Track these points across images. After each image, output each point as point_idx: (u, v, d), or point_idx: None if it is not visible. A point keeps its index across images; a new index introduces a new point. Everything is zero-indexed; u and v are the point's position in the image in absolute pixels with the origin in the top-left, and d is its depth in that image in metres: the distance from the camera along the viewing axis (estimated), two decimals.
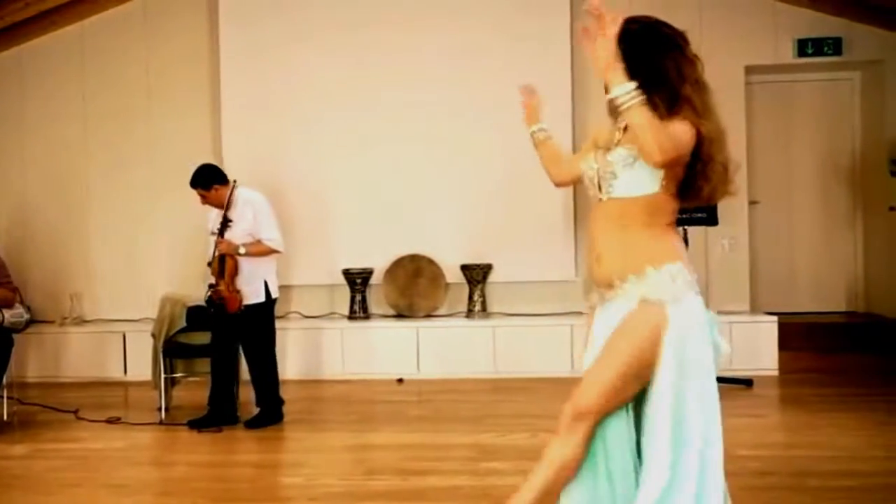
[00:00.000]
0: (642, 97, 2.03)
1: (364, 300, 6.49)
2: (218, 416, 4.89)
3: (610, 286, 2.25)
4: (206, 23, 6.73)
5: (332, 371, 6.23)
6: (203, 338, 5.26)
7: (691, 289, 2.22)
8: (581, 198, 6.52)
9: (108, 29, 6.78)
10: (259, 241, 4.83)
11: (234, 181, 4.97)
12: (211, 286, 4.85)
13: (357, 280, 6.45)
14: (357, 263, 6.47)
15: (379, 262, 6.50)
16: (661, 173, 2.16)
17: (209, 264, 4.91)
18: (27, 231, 6.85)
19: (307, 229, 6.35)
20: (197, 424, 4.83)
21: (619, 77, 2.05)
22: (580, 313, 6.47)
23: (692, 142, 2.13)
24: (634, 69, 2.10)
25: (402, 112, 6.53)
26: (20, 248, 6.71)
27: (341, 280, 6.48)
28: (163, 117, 6.71)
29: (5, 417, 5.13)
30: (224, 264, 4.77)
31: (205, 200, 5.01)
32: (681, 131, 2.11)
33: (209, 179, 4.92)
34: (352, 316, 6.47)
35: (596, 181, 2.30)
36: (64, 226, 6.85)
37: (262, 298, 4.89)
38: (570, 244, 6.49)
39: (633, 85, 2.04)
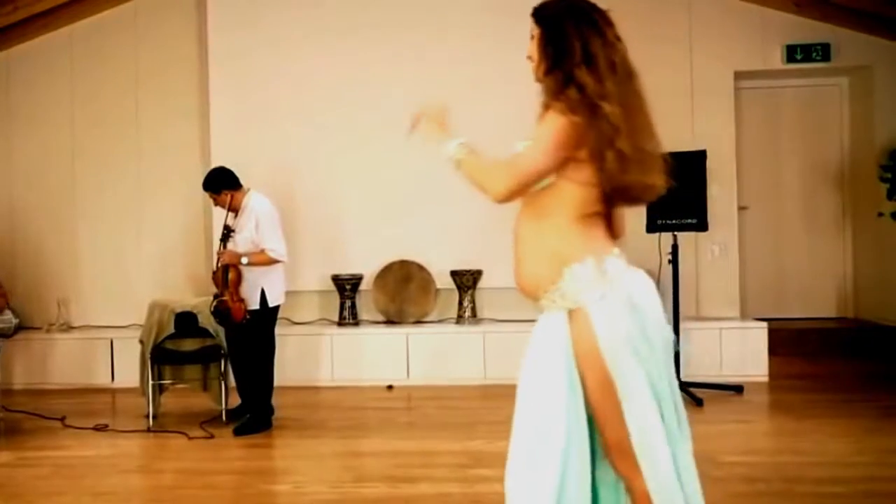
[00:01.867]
0: (463, 150, 2.09)
1: (354, 306, 6.47)
2: (260, 421, 4.92)
3: (531, 296, 2.18)
4: (194, 27, 6.71)
5: (321, 377, 6.20)
6: (191, 344, 5.25)
7: (603, 284, 2.01)
8: None
9: (97, 33, 6.75)
10: (262, 251, 4.82)
11: (248, 188, 5.02)
12: (216, 296, 4.86)
13: (347, 286, 6.42)
14: (347, 269, 6.45)
15: (368, 268, 6.48)
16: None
17: (214, 273, 4.94)
18: (14, 237, 6.80)
19: (296, 235, 6.32)
20: (240, 431, 4.85)
21: (442, 138, 2.09)
22: None
23: (566, 133, 1.98)
24: (545, 49, 2.06)
25: (391, 117, 6.46)
26: (7, 253, 6.66)
27: (331, 286, 6.46)
28: (151, 122, 6.68)
29: None
30: (227, 275, 4.78)
31: (216, 203, 5.05)
32: (544, 134, 2.01)
33: (219, 184, 4.95)
34: (341, 322, 6.45)
35: None
36: (51, 231, 6.80)
37: (256, 306, 4.88)
38: None
39: (455, 142, 2.07)
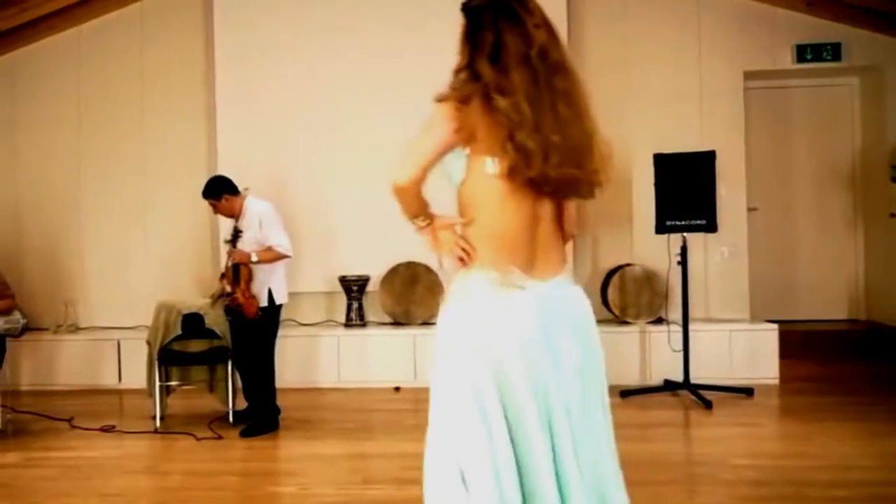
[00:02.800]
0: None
1: (360, 308, 6.45)
2: (265, 421, 4.95)
3: None
4: (200, 28, 6.71)
5: (328, 379, 6.19)
6: (198, 345, 5.26)
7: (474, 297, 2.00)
8: (578, 203, 6.47)
9: (102, 35, 6.76)
10: (269, 248, 4.92)
11: (246, 189, 5.09)
12: (227, 294, 4.94)
13: (353, 287, 6.41)
14: (353, 271, 6.43)
15: (375, 270, 6.46)
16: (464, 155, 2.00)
17: (223, 275, 5.01)
18: (21, 238, 6.81)
19: (303, 236, 6.30)
20: (247, 433, 4.88)
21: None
22: None
23: (445, 113, 1.96)
24: (464, 44, 2.02)
25: (398, 118, 6.49)
26: (14, 254, 6.68)
27: (338, 287, 6.45)
28: (157, 123, 6.68)
29: None
30: (238, 272, 4.87)
31: (216, 210, 5.14)
32: (427, 119, 2.00)
33: (219, 190, 5.02)
34: (348, 323, 6.43)
35: None
36: (58, 233, 6.81)
37: (264, 303, 4.97)
38: (568, 251, 6.42)
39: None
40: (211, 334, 5.21)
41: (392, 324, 6.47)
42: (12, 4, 6.08)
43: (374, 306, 6.53)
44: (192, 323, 5.19)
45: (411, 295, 6.40)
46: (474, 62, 1.95)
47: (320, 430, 4.99)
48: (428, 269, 6.41)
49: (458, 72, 1.99)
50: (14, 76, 6.85)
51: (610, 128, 6.73)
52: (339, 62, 6.54)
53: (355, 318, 6.43)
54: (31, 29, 6.58)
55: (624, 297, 6.14)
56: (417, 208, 2.14)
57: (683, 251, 5.56)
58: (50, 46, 6.79)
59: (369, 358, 6.19)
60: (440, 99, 1.97)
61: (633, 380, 5.93)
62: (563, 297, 2.05)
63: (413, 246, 6.43)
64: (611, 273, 6.27)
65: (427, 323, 6.42)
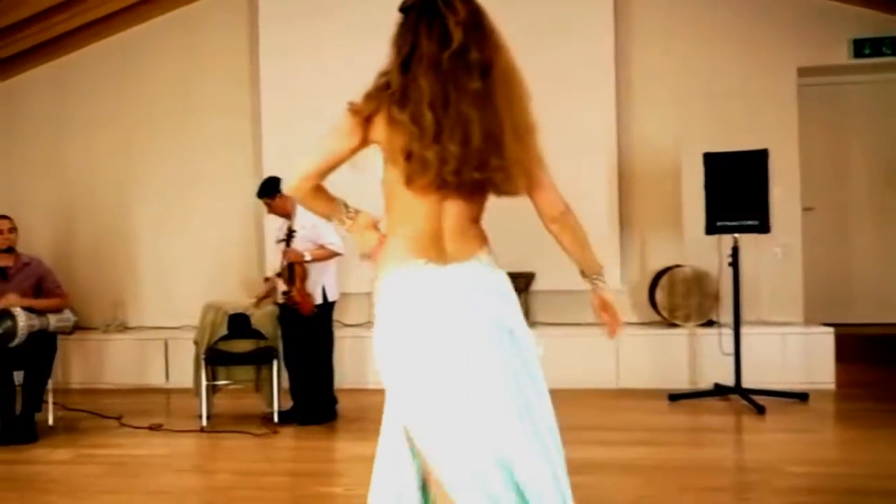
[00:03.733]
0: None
1: None
2: (318, 413, 5.08)
3: None
4: (245, 29, 6.77)
5: (374, 380, 6.13)
6: (244, 345, 5.29)
7: (393, 298, 2.02)
8: (626, 203, 6.38)
9: (149, 39, 6.88)
10: (322, 247, 5.04)
11: None
12: (284, 293, 5.05)
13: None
14: None
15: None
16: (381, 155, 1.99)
17: (279, 274, 5.11)
18: (71, 239, 6.95)
19: (348, 236, 6.31)
20: (306, 421, 5.02)
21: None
22: (626, 324, 6.31)
23: (342, 123, 2.01)
24: (390, 48, 2.02)
25: None
26: (65, 256, 6.81)
27: None
28: (204, 124, 6.75)
29: (50, 422, 5.17)
30: (293, 271, 4.97)
31: (270, 210, 5.26)
32: (325, 135, 2.05)
33: (274, 189, 5.11)
34: None
35: None
36: (107, 234, 6.93)
37: (319, 301, 5.10)
38: (615, 252, 6.35)
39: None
40: (257, 335, 5.25)
41: None
42: (62, 10, 6.20)
43: None
44: (239, 323, 5.23)
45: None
46: (391, 69, 1.97)
47: (367, 431, 4.92)
48: None
49: (380, 76, 2.00)
50: (64, 80, 6.99)
51: (659, 127, 6.67)
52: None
53: None
54: (78, 35, 6.72)
55: (672, 299, 6.01)
56: (323, 210, 2.17)
57: (735, 252, 5.42)
58: (97, 51, 6.93)
59: None
60: (349, 108, 1.99)
61: (681, 383, 5.80)
62: (478, 274, 2.03)
63: None
64: (659, 274, 6.14)
65: None
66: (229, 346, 5.29)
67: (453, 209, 1.99)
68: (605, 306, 2.19)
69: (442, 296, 1.96)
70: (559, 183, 6.83)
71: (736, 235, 5.41)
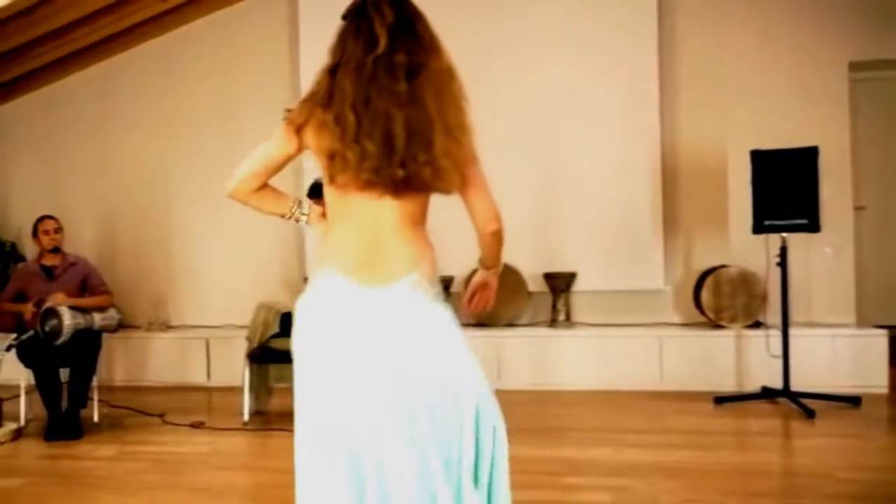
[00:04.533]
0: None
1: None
2: None
3: None
4: (285, 29, 6.81)
5: None
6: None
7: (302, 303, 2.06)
8: (670, 201, 6.27)
9: (192, 40, 6.95)
10: None
11: None
12: None
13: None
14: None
15: (459, 271, 6.39)
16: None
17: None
18: (115, 238, 7.06)
19: None
20: None
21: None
22: (670, 324, 6.21)
23: (277, 147, 2.04)
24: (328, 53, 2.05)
25: (482, 114, 6.41)
26: (109, 255, 6.92)
27: None
28: (244, 124, 6.79)
29: (95, 419, 5.25)
30: None
31: None
32: (265, 142, 2.08)
33: (321, 190, 5.05)
34: None
35: None
36: (149, 233, 7.03)
37: None
38: (658, 251, 6.23)
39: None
40: None
41: (476, 325, 6.39)
42: (109, 13, 6.31)
43: (456, 308, 6.45)
44: (290, 322, 5.24)
45: (495, 296, 6.29)
46: (321, 75, 2.02)
47: None
48: (513, 270, 6.30)
49: (315, 83, 2.03)
50: (109, 82, 7.11)
51: (704, 124, 6.53)
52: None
53: None
54: (125, 37, 6.83)
55: (718, 300, 5.88)
56: (270, 209, 2.20)
57: (783, 252, 5.29)
58: (141, 53, 7.02)
59: None
60: (284, 117, 2.02)
61: (728, 386, 5.67)
62: (398, 307, 1.97)
63: None
64: (704, 274, 6.02)
65: (512, 324, 6.33)
66: (281, 344, 5.32)
67: (387, 210, 1.98)
68: (485, 286, 2.24)
69: (349, 328, 1.96)
70: (604, 181, 6.80)
71: (784, 235, 5.28)
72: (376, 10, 1.96)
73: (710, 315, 5.90)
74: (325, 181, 2.01)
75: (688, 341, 5.89)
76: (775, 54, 6.14)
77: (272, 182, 2.14)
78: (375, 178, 1.90)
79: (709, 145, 6.21)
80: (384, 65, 1.91)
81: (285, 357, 5.21)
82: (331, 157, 1.93)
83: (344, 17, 2.05)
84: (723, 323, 5.87)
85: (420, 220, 2.04)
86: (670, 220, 6.27)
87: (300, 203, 2.21)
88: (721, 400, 5.35)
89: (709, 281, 5.90)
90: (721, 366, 5.75)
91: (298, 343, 2.04)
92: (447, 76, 1.98)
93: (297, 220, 2.20)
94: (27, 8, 5.80)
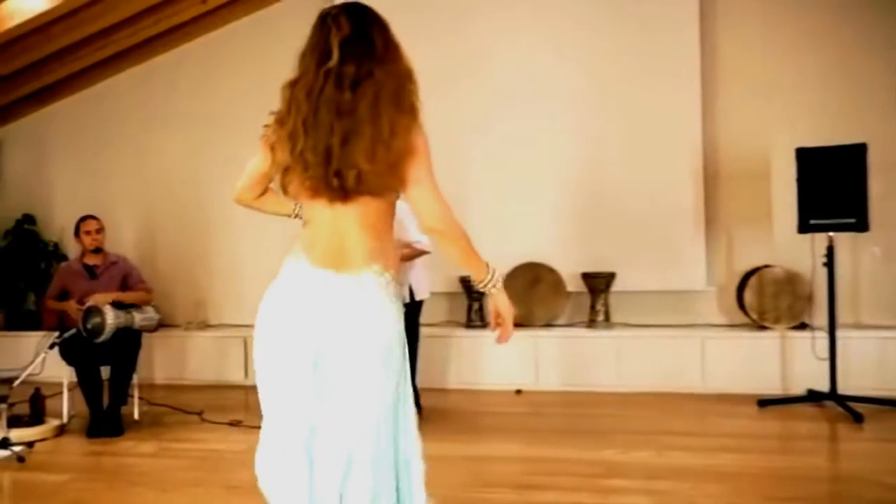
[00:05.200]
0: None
1: (481, 308, 6.35)
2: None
3: None
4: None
5: (448, 380, 6.12)
6: None
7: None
8: (712, 200, 6.15)
9: (230, 41, 7.02)
10: (408, 245, 4.98)
11: None
12: None
13: (474, 288, 6.31)
14: None
15: (496, 270, 6.34)
16: None
17: None
18: (154, 238, 7.15)
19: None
20: None
21: None
22: (712, 325, 6.10)
23: (259, 159, 2.17)
24: None
25: (520, 117, 6.38)
26: (149, 256, 7.01)
27: (459, 288, 6.38)
28: None
29: (136, 416, 5.31)
30: None
31: None
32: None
33: None
34: (469, 324, 6.35)
35: None
36: (189, 233, 7.10)
37: (406, 300, 5.06)
38: (700, 251, 6.12)
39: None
40: None
41: (514, 325, 6.32)
42: (150, 15, 6.39)
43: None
44: None
45: (533, 296, 6.25)
46: (283, 91, 2.09)
47: (441, 431, 4.91)
48: (550, 270, 6.24)
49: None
50: (148, 83, 7.20)
51: (747, 121, 6.39)
52: (459, 56, 6.47)
53: (476, 319, 6.34)
54: (165, 38, 6.93)
55: (762, 301, 5.75)
56: (273, 210, 2.43)
57: (830, 252, 5.15)
58: (181, 54, 7.11)
59: (490, 359, 6.09)
60: (262, 135, 2.13)
61: (772, 389, 5.54)
62: (345, 291, 2.03)
63: (535, 246, 6.33)
64: (748, 275, 5.89)
65: (549, 324, 6.27)
66: None
67: (341, 214, 2.04)
68: (497, 315, 2.19)
69: (299, 298, 2.04)
70: (643, 180, 6.68)
71: (831, 234, 5.15)
72: (334, 23, 2.02)
73: (754, 316, 5.78)
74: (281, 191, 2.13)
75: (731, 343, 5.77)
76: (820, 49, 5.99)
77: None
78: (317, 187, 1.99)
79: (752, 143, 6.08)
80: (333, 77, 1.97)
81: None
82: (284, 171, 2.03)
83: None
84: (767, 324, 5.74)
85: (377, 221, 2.06)
86: (712, 220, 6.15)
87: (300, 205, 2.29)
88: (765, 403, 5.23)
89: (752, 281, 5.78)
90: (765, 368, 5.62)
91: (258, 320, 2.10)
92: (392, 82, 1.99)
93: (300, 217, 2.29)
94: (71, 10, 5.89)
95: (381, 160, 1.94)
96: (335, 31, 2.01)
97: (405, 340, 2.13)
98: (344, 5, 2.08)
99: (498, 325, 2.18)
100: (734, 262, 6.16)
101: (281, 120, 2.03)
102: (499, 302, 2.18)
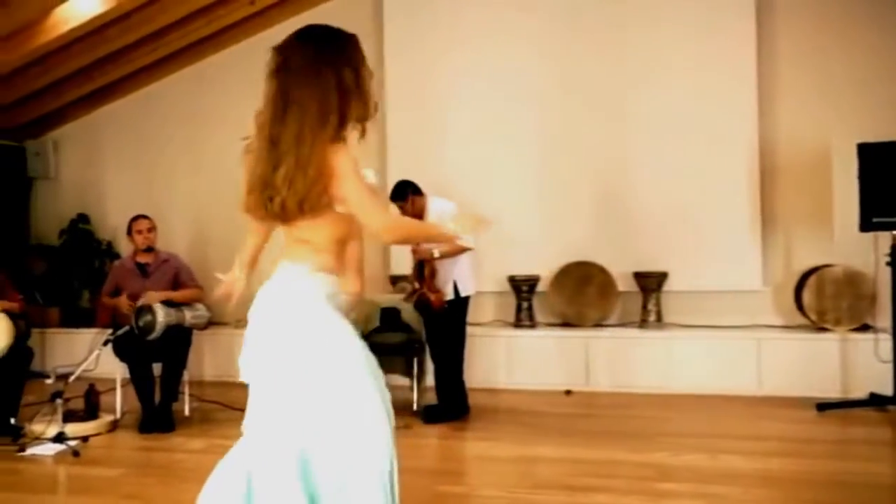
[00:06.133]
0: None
1: (530, 308, 6.28)
2: (449, 408, 5.11)
3: (354, 302, 2.42)
4: (371, 29, 6.84)
5: (496, 380, 6.06)
6: (394, 338, 5.44)
7: None
8: (769, 198, 5.98)
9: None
10: (449, 242, 4.95)
11: (427, 194, 5.26)
12: (415, 290, 5.15)
13: (523, 287, 6.25)
14: (523, 270, 6.28)
15: (546, 269, 6.28)
16: None
17: (413, 270, 5.22)
18: (206, 238, 7.22)
19: (473, 236, 6.24)
20: (430, 418, 5.06)
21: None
22: (769, 326, 5.93)
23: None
24: None
25: (569, 114, 6.30)
26: (200, 254, 7.06)
27: (507, 287, 6.32)
28: None
29: (186, 413, 5.37)
30: (423, 269, 5.07)
31: (403, 212, 5.27)
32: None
33: (405, 190, 5.18)
34: (517, 324, 6.29)
35: None
36: (237, 232, 7.11)
37: (451, 296, 5.10)
38: (756, 250, 5.95)
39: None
40: (407, 328, 5.44)
41: (562, 325, 6.25)
42: (200, 17, 6.46)
43: (543, 307, 6.35)
44: (390, 316, 5.47)
45: (583, 296, 6.16)
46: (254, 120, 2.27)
47: (490, 432, 4.87)
48: (601, 270, 6.14)
49: None
50: (199, 84, 7.29)
51: (805, 116, 6.18)
52: (508, 57, 6.42)
53: (525, 319, 6.27)
54: (216, 39, 7.01)
55: (822, 301, 5.57)
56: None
57: (894, 250, 4.97)
58: (232, 55, 7.17)
59: (539, 360, 6.01)
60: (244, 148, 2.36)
61: (832, 392, 5.37)
62: (273, 288, 2.28)
63: (586, 245, 6.24)
64: (806, 274, 5.72)
65: (599, 325, 6.17)
66: (381, 337, 5.43)
67: (285, 233, 2.28)
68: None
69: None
70: (697, 177, 6.50)
71: (895, 232, 4.96)
72: (274, 54, 2.21)
73: (813, 317, 5.60)
74: None
75: (788, 344, 5.60)
76: (881, 42, 5.78)
77: None
78: (258, 213, 2.21)
79: (811, 139, 5.89)
80: (272, 109, 2.14)
81: (388, 350, 5.28)
82: (247, 191, 2.25)
83: None
84: (826, 325, 5.56)
85: (312, 242, 2.19)
86: (769, 218, 5.98)
87: None
88: (824, 406, 5.06)
89: (811, 281, 5.60)
90: (824, 370, 5.45)
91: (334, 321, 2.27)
92: (314, 105, 2.08)
93: None
94: (124, 14, 5.99)
95: (300, 188, 2.05)
96: (273, 62, 2.19)
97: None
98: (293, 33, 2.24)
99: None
100: (792, 262, 5.98)
101: (248, 148, 2.25)
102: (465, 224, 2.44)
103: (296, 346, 2.15)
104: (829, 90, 5.87)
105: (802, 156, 5.92)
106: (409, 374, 5.52)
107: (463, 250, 5.01)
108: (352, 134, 2.18)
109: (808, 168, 5.88)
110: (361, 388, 2.12)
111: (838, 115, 5.80)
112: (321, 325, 2.15)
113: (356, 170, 2.10)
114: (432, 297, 5.04)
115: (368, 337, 5.30)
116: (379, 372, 2.20)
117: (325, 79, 2.11)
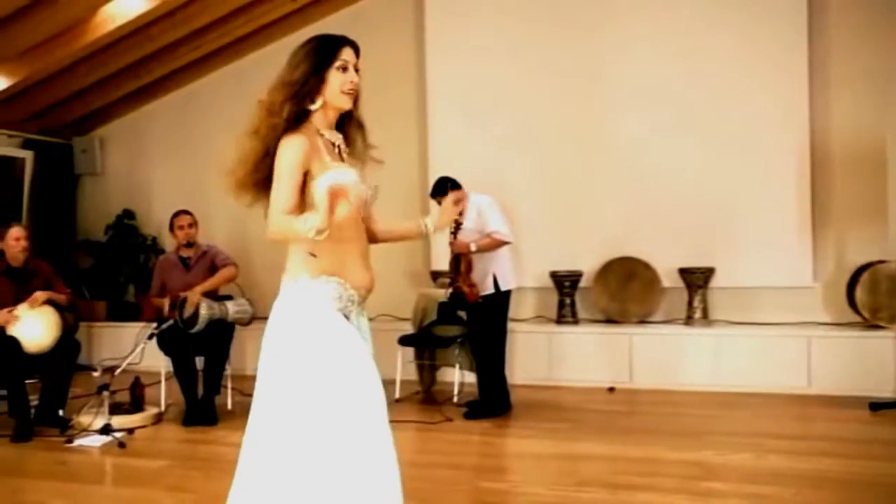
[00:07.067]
0: None
1: (573, 304, 6.21)
2: (491, 404, 5.09)
3: (367, 295, 2.43)
4: (412, 26, 6.82)
5: (539, 376, 6.01)
6: (450, 330, 5.51)
7: None
8: (820, 192, 5.83)
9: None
10: (488, 236, 5.01)
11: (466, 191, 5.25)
12: (451, 283, 5.16)
13: (566, 283, 6.18)
14: (565, 266, 6.21)
15: (589, 265, 6.20)
16: None
17: (450, 264, 5.23)
18: (248, 234, 7.24)
19: (515, 231, 6.18)
20: (471, 414, 5.07)
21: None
22: (819, 324, 5.77)
23: None
24: None
25: (614, 110, 6.21)
26: (242, 250, 7.08)
27: (549, 283, 6.25)
28: (371, 118, 6.81)
29: (229, 406, 5.42)
30: (459, 262, 5.06)
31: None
32: None
33: (445, 187, 5.16)
34: (560, 320, 6.22)
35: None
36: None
37: (491, 290, 5.06)
38: (807, 246, 5.80)
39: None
40: (462, 321, 5.48)
41: (606, 321, 6.17)
42: (240, 15, 6.50)
43: (586, 303, 6.27)
44: (445, 310, 5.58)
45: (627, 292, 6.07)
46: None
47: (532, 429, 4.82)
48: (645, 266, 6.04)
49: None
50: (240, 81, 7.32)
51: (858, 107, 6.00)
52: (549, 59, 6.35)
53: (567, 315, 6.20)
54: (256, 37, 7.03)
55: (875, 298, 5.41)
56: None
57: None
58: (271, 53, 7.17)
59: (582, 356, 5.94)
60: None
61: (885, 391, 5.20)
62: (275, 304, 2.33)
63: (628, 240, 6.14)
64: (859, 271, 5.55)
65: (644, 321, 6.07)
66: (440, 330, 5.58)
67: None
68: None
69: None
70: (745, 172, 6.37)
71: None
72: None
73: (866, 314, 5.44)
74: None
75: (840, 342, 5.45)
76: None
77: None
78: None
79: (865, 133, 5.70)
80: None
81: (444, 342, 5.50)
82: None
83: None
84: (880, 323, 5.40)
85: (307, 244, 2.27)
86: (820, 213, 5.82)
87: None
88: (877, 406, 4.92)
89: (864, 277, 5.44)
90: (878, 369, 5.28)
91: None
92: (258, 105, 2.42)
93: None
94: (169, 11, 6.06)
95: (249, 176, 2.36)
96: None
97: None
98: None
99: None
100: (844, 258, 5.82)
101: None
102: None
103: (284, 349, 2.21)
104: (883, 82, 5.69)
105: (856, 149, 5.75)
106: (468, 366, 5.51)
107: (501, 244, 5.03)
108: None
109: (862, 161, 5.71)
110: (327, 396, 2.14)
111: (893, 104, 5.61)
112: (308, 330, 2.18)
113: (281, 171, 2.24)
114: (466, 290, 5.02)
115: (427, 329, 5.63)
116: (365, 369, 2.17)
117: (275, 83, 2.39)
